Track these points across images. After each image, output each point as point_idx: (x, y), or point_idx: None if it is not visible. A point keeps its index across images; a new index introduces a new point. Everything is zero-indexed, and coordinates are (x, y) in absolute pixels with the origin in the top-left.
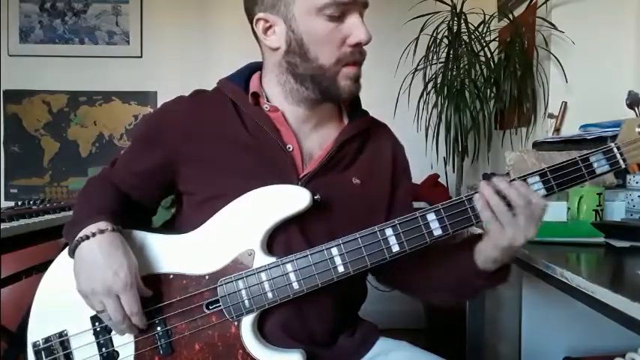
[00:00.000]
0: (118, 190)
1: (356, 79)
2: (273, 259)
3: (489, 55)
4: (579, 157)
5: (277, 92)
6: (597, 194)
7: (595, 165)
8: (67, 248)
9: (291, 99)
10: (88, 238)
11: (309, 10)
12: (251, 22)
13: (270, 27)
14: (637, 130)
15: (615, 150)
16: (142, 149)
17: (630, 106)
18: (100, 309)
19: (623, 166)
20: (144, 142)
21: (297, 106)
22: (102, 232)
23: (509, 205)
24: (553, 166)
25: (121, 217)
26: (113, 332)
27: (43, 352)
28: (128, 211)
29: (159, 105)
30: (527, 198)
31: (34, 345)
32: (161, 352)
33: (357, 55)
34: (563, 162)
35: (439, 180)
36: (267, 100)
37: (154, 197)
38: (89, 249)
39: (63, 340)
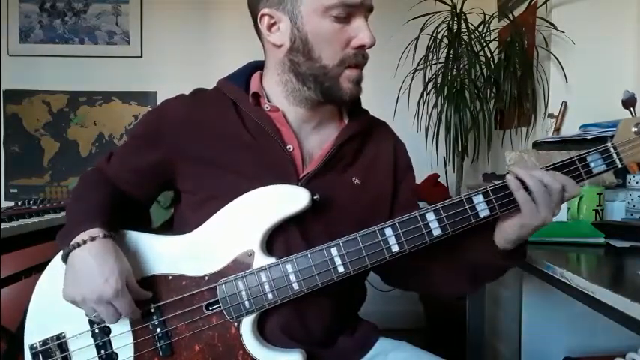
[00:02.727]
0: (112, 186)
1: (358, 82)
2: (272, 260)
3: (489, 55)
4: (576, 156)
5: (278, 92)
6: (597, 194)
7: (592, 165)
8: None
9: (292, 99)
10: (79, 245)
11: (317, 9)
12: (254, 18)
13: (275, 24)
14: (633, 129)
15: (612, 150)
16: (141, 146)
17: (625, 105)
18: (92, 315)
19: (620, 166)
20: (143, 139)
21: (298, 106)
22: (93, 239)
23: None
24: (551, 165)
25: (115, 216)
26: (112, 334)
27: (40, 355)
28: (123, 206)
29: None
30: (563, 183)
31: (32, 347)
32: (161, 353)
33: (359, 58)
34: (561, 162)
35: (439, 180)
36: (268, 100)
37: (149, 194)
38: (81, 257)
39: (61, 342)
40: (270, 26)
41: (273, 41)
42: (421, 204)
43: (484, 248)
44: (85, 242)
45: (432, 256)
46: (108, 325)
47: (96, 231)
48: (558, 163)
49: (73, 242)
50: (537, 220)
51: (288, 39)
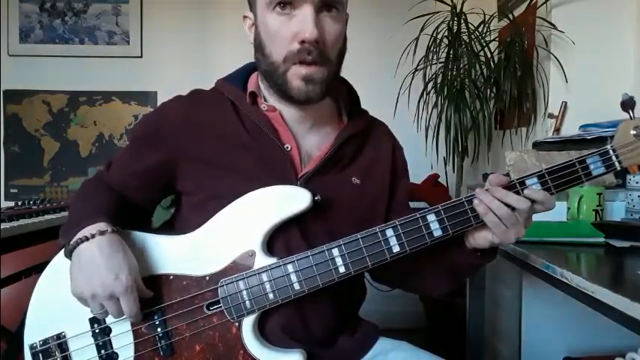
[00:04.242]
0: (114, 192)
1: (308, 80)
2: (273, 260)
3: (489, 55)
4: (576, 158)
5: (266, 90)
6: (597, 194)
7: (591, 167)
8: (63, 249)
9: (275, 97)
10: (87, 239)
11: (263, 4)
12: None
13: (253, 24)
14: (632, 132)
15: (611, 152)
16: (141, 149)
17: (624, 108)
18: (98, 311)
19: (619, 168)
20: (143, 142)
21: (285, 104)
22: (102, 233)
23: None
24: (550, 167)
25: (118, 219)
26: (112, 334)
27: (40, 355)
28: (125, 214)
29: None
30: (536, 199)
31: (32, 347)
32: (161, 353)
33: (303, 54)
34: (561, 164)
35: (439, 180)
36: (265, 100)
37: (152, 198)
38: (89, 251)
39: (61, 342)
40: (249, 27)
41: (251, 41)
42: (421, 204)
43: (456, 251)
44: (93, 236)
45: (418, 257)
46: (109, 325)
47: (104, 225)
48: (558, 165)
49: (80, 236)
50: (510, 237)
51: (253, 38)
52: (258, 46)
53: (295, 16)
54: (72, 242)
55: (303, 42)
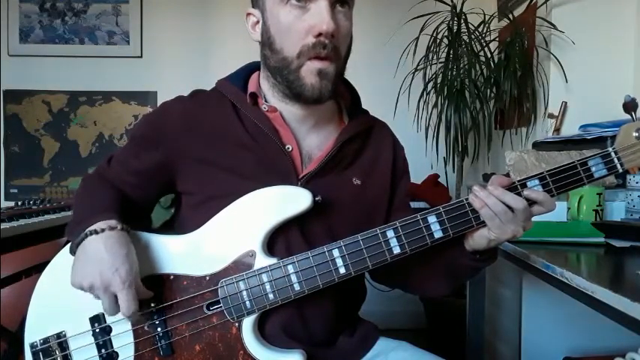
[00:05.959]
0: (115, 188)
1: (323, 76)
2: (273, 260)
3: (489, 55)
4: (578, 161)
5: (268, 90)
6: (597, 194)
7: (593, 169)
8: (64, 247)
9: (279, 96)
10: (97, 232)
11: None
12: None
13: (257, 22)
14: (634, 134)
15: (613, 155)
16: (141, 148)
17: (626, 109)
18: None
19: (621, 171)
20: (143, 141)
21: (288, 104)
22: (112, 229)
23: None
24: (552, 169)
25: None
26: (112, 333)
27: (40, 353)
28: (125, 209)
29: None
30: (538, 200)
31: (32, 346)
32: (161, 352)
33: (319, 48)
34: (562, 166)
35: (439, 180)
36: (266, 100)
37: (151, 196)
38: (94, 244)
39: (61, 341)
40: (253, 25)
41: (255, 38)
42: (421, 204)
43: (456, 252)
44: (102, 230)
45: (418, 258)
46: (109, 324)
47: (114, 222)
48: (560, 167)
49: (90, 229)
50: (507, 235)
51: (259, 34)
52: (267, 42)
53: (310, 10)
54: (81, 235)
55: (319, 35)
